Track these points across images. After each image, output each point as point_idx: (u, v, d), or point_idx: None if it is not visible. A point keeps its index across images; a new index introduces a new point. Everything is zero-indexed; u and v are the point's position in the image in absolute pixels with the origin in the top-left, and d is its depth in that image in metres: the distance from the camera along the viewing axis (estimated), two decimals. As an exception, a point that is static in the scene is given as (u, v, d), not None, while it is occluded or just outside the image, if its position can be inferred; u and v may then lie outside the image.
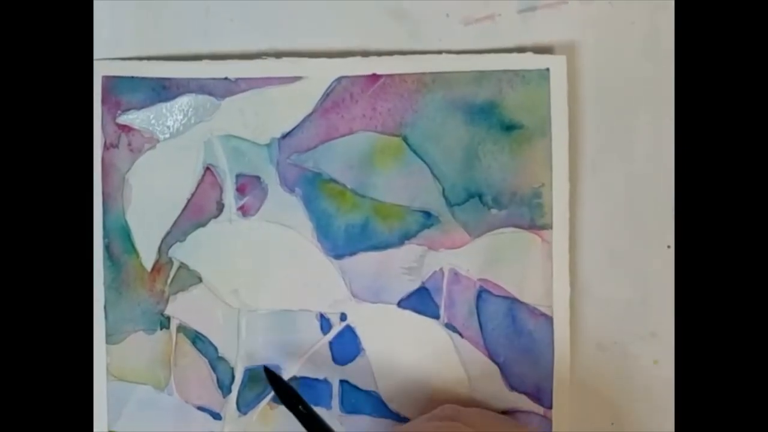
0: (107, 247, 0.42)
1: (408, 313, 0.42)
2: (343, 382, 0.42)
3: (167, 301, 0.42)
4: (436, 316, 0.42)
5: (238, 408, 0.42)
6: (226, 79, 0.41)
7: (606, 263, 0.42)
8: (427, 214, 0.41)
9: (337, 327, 0.42)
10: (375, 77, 0.41)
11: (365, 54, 0.41)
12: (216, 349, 0.42)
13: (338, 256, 0.42)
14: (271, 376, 0.40)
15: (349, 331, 0.42)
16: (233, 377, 0.42)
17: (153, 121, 0.42)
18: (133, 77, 0.42)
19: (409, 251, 0.42)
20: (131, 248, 0.42)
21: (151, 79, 0.42)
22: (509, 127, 0.41)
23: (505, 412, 0.42)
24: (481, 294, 0.42)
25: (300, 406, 0.39)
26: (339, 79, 0.41)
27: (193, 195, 0.42)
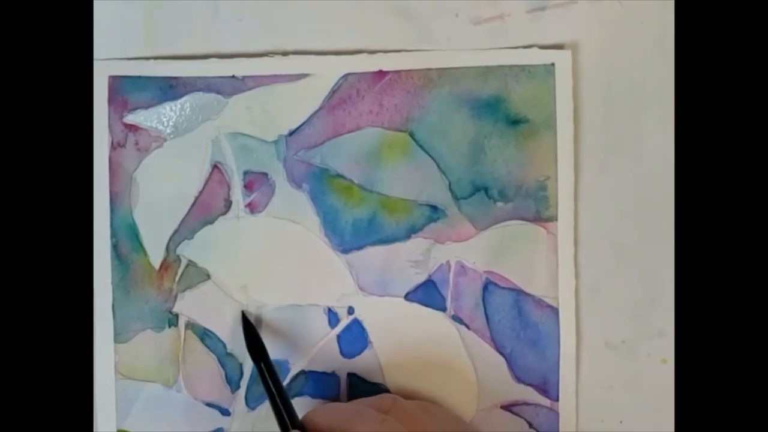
0: (115, 246, 0.42)
1: (415, 306, 0.42)
2: (350, 375, 0.42)
3: (175, 298, 0.42)
4: (443, 309, 0.42)
5: (247, 403, 0.42)
6: (233, 77, 0.42)
7: (613, 261, 0.42)
8: (434, 208, 0.42)
9: (345, 321, 0.42)
10: (381, 74, 0.42)
11: (373, 52, 0.42)
12: (224, 345, 0.42)
13: (346, 251, 0.42)
14: (247, 324, 0.41)
15: (356, 324, 0.42)
16: (242, 373, 0.42)
17: (160, 120, 0.42)
18: (139, 76, 0.42)
19: (415, 245, 0.42)
20: (139, 247, 0.42)
21: (158, 78, 0.42)
22: (515, 122, 0.42)
23: (512, 405, 0.42)
24: (488, 286, 0.42)
25: (263, 364, 0.40)
26: (345, 76, 0.42)
27: (200, 193, 0.42)
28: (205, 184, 0.42)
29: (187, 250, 0.42)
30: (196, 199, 0.42)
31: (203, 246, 0.42)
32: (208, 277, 0.42)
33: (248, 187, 0.42)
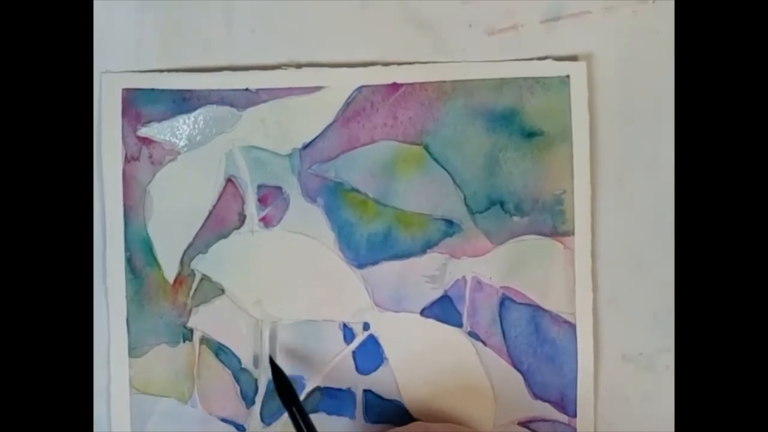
0: (129, 260, 0.42)
1: (431, 322, 0.42)
2: (366, 391, 0.42)
3: (190, 313, 0.42)
4: (459, 325, 0.42)
5: (262, 419, 0.42)
6: (246, 90, 0.41)
7: (631, 274, 0.42)
8: (449, 223, 0.42)
9: (360, 336, 0.42)
10: (395, 86, 0.41)
11: (387, 64, 0.41)
12: (239, 360, 0.42)
13: (361, 266, 0.42)
14: (275, 370, 0.41)
15: (372, 340, 0.42)
16: (257, 388, 0.42)
17: (173, 133, 0.42)
18: (153, 89, 0.42)
19: (431, 260, 0.42)
20: (153, 261, 0.42)
21: (172, 91, 0.42)
22: (530, 134, 0.41)
23: (529, 421, 0.42)
24: (504, 301, 0.42)
25: (294, 408, 0.39)
26: (359, 89, 0.41)
27: (214, 206, 0.42)
28: (219, 198, 0.42)
29: (201, 265, 0.42)
30: (210, 212, 0.42)
31: (217, 260, 0.42)
32: (223, 291, 0.42)
33: (262, 200, 0.42)
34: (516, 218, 0.41)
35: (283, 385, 0.40)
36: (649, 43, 0.41)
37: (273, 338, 0.42)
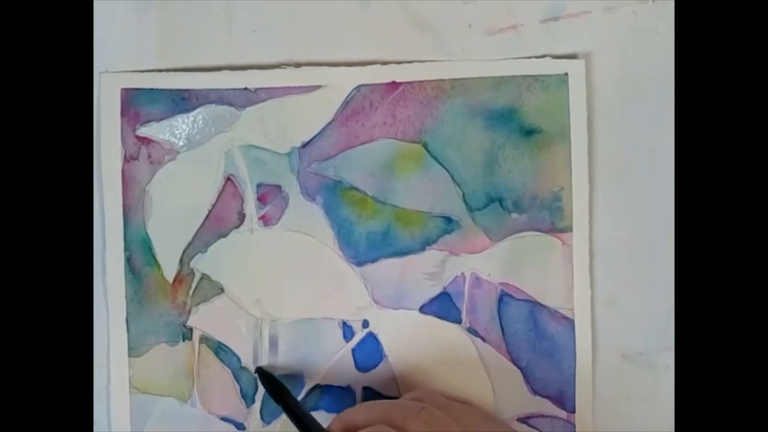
0: (128, 260, 0.42)
1: (430, 319, 0.42)
2: (366, 388, 0.42)
3: (189, 312, 0.42)
4: (458, 321, 0.42)
5: (262, 418, 0.42)
6: (245, 89, 0.42)
7: (630, 272, 0.42)
8: (448, 220, 0.42)
9: (360, 334, 0.42)
10: (394, 85, 0.42)
11: (386, 63, 0.42)
12: (239, 359, 0.42)
13: (360, 263, 0.42)
14: (262, 375, 0.41)
15: (371, 337, 0.42)
16: (257, 387, 0.42)
17: (173, 133, 0.42)
18: (152, 89, 0.42)
19: (430, 257, 0.42)
20: (152, 260, 0.42)
21: (171, 90, 0.42)
22: (529, 132, 0.42)
23: (528, 417, 0.42)
24: (503, 298, 0.42)
25: (288, 401, 0.39)
26: (358, 88, 0.42)
27: (214, 206, 0.42)
28: (219, 197, 0.42)
29: (200, 264, 0.42)
30: (210, 212, 0.42)
31: (217, 259, 0.42)
32: (222, 290, 0.42)
33: (261, 199, 0.42)
34: (514, 215, 0.42)
35: (275, 390, 0.40)
36: (648, 42, 0.42)
37: (273, 337, 0.42)
